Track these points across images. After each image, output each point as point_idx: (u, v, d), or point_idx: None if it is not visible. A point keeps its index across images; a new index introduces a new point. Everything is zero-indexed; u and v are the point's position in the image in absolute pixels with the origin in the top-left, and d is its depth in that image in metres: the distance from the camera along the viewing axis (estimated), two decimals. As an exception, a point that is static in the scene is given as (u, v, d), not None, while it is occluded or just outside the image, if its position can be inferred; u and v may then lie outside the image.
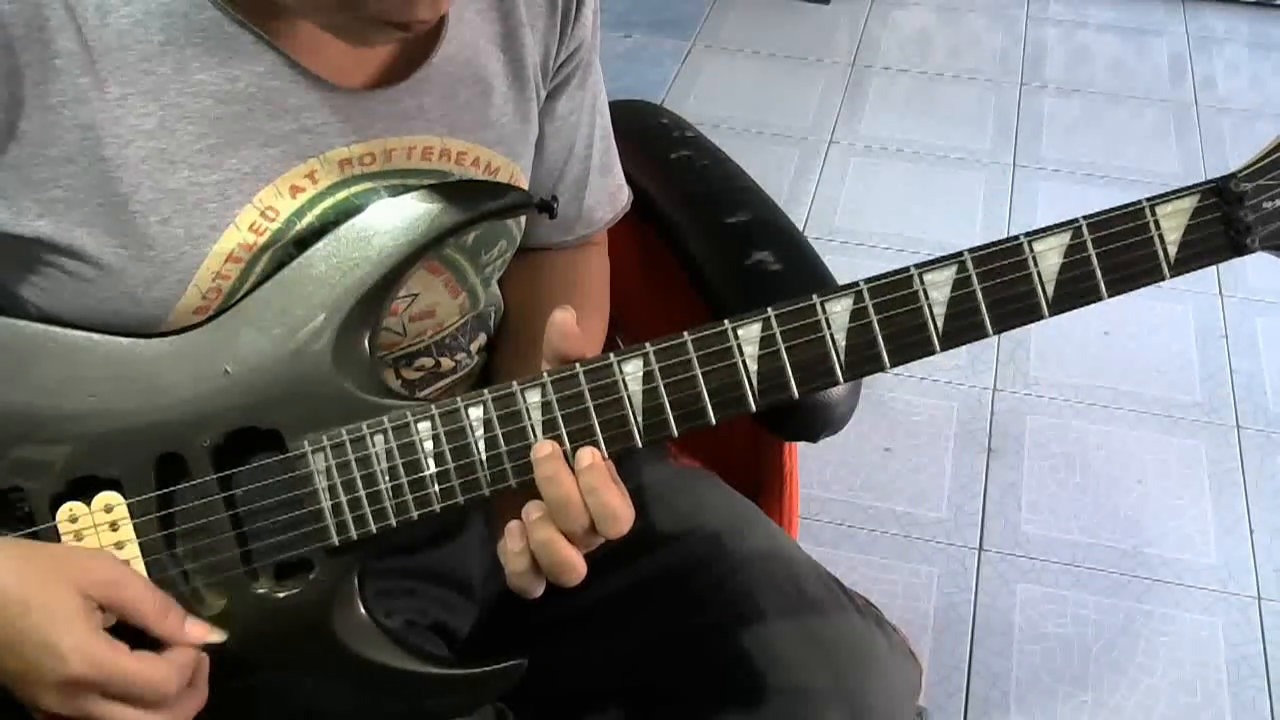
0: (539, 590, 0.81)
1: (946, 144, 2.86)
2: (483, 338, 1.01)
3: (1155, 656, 1.80)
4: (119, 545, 0.81)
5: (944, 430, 2.15)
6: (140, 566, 0.81)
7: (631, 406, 0.79)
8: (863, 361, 0.79)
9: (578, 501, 0.78)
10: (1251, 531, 1.99)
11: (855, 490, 2.03)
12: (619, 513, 0.78)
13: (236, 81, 0.81)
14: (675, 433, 0.80)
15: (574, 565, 0.79)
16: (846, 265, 2.37)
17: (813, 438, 1.07)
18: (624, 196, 1.12)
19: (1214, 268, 2.50)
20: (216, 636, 0.80)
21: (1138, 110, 3.00)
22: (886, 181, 2.74)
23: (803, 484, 1.95)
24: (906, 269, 0.78)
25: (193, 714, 0.79)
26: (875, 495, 2.03)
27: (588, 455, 0.78)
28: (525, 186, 0.97)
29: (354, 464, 0.81)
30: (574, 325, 0.79)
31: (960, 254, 0.78)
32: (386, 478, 0.81)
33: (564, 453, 0.79)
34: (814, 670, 0.98)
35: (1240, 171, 0.78)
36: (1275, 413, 2.20)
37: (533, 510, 0.79)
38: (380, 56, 0.87)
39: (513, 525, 0.80)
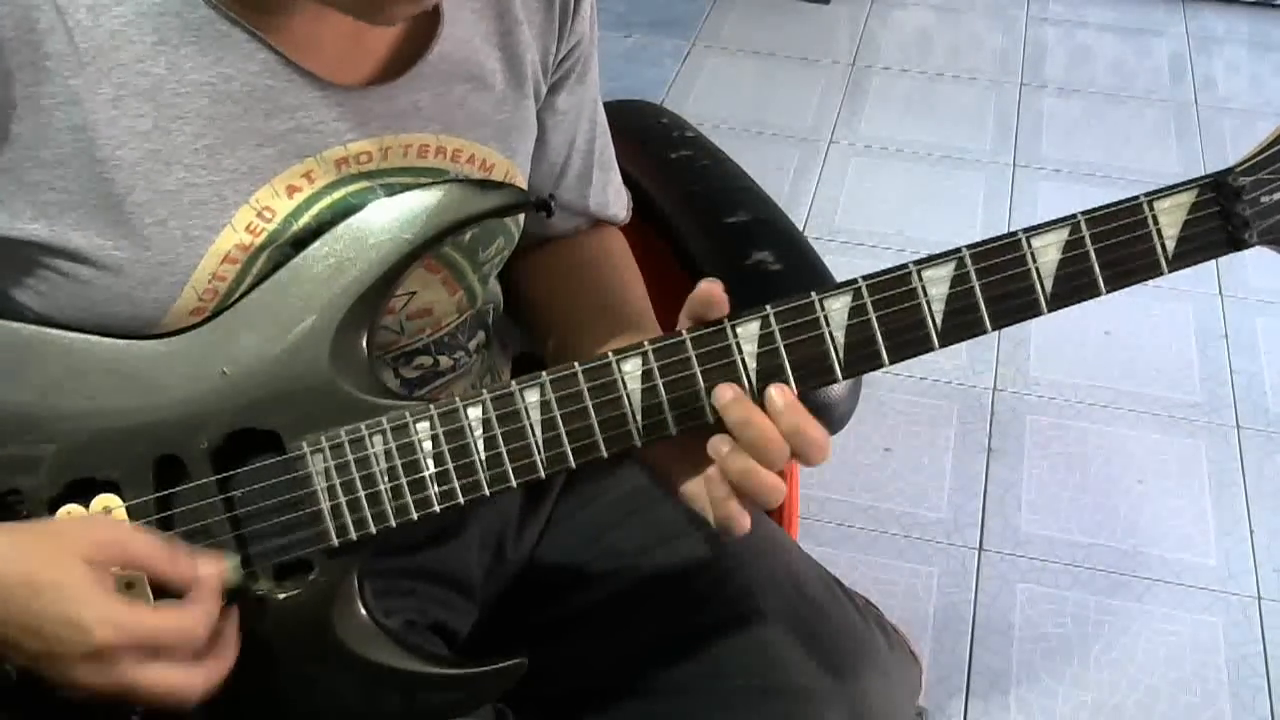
0: (747, 522, 0.80)
1: (946, 144, 2.86)
2: (481, 336, 1.01)
3: (1155, 656, 1.80)
4: (106, 516, 0.80)
5: (944, 430, 2.14)
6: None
7: (630, 405, 0.79)
8: (862, 359, 0.79)
9: (777, 438, 0.78)
10: (1251, 531, 1.99)
11: (855, 490, 2.03)
12: (822, 442, 0.79)
13: (231, 81, 0.81)
14: (674, 431, 0.80)
15: (777, 487, 0.79)
16: (846, 265, 2.37)
17: (813, 437, 1.07)
18: (626, 195, 1.12)
19: (1214, 268, 2.51)
20: (230, 563, 0.79)
21: (1138, 110, 3.00)
22: (886, 181, 2.74)
23: (803, 484, 1.95)
24: (905, 266, 0.78)
25: (226, 668, 0.78)
26: (875, 495, 2.03)
27: (779, 395, 0.78)
28: (523, 184, 0.97)
29: (353, 465, 0.81)
30: (721, 294, 0.79)
31: (958, 250, 0.78)
32: (386, 478, 0.81)
33: (749, 390, 0.79)
34: (814, 670, 0.98)
35: (1238, 166, 0.77)
36: (1275, 413, 2.20)
37: (722, 444, 0.79)
38: (375, 54, 0.87)
39: (711, 473, 0.80)
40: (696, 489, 0.82)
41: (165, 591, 0.77)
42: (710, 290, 0.78)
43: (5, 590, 0.72)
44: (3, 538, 0.75)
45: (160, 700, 0.75)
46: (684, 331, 0.79)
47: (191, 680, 0.76)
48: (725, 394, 0.78)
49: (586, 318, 1.00)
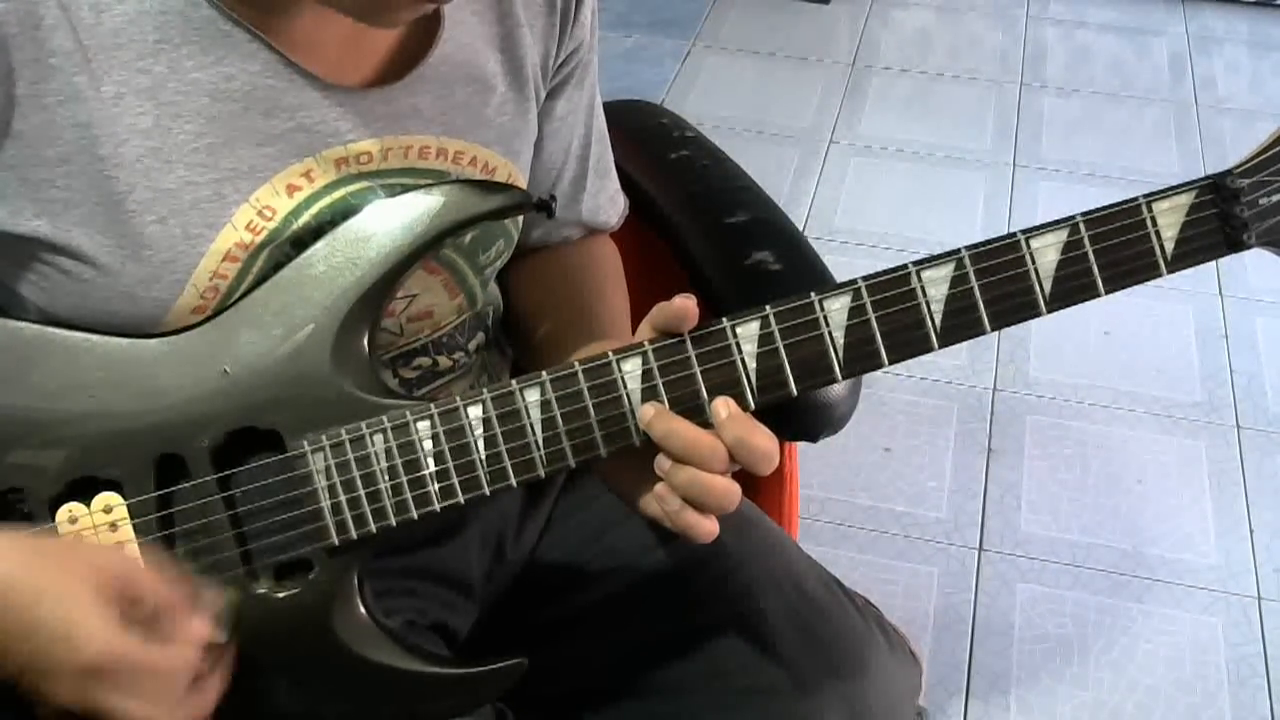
0: (714, 527, 0.80)
1: (946, 144, 2.86)
2: (481, 337, 1.01)
3: (1155, 656, 1.80)
4: (119, 546, 0.81)
5: (944, 430, 2.15)
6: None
7: (630, 405, 0.80)
8: (861, 359, 0.79)
9: (706, 445, 0.78)
10: (1251, 531, 1.99)
11: (855, 490, 2.03)
12: (769, 451, 0.79)
13: (232, 80, 0.81)
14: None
15: (727, 492, 0.79)
16: (846, 265, 2.37)
17: (813, 438, 1.07)
18: (622, 201, 1.12)
19: (1214, 268, 2.51)
20: (218, 638, 0.79)
21: (1138, 110, 3.00)
22: (886, 181, 2.74)
23: (803, 484, 1.95)
24: (904, 266, 0.78)
25: (208, 709, 0.78)
26: (875, 495, 2.03)
27: (724, 408, 0.79)
28: (524, 186, 0.97)
29: (353, 464, 0.81)
30: (695, 310, 0.79)
31: (958, 251, 0.78)
32: (386, 477, 0.81)
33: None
34: (814, 670, 0.98)
35: (1237, 167, 0.78)
36: (1275, 413, 2.20)
37: (662, 461, 0.79)
38: (377, 55, 0.87)
39: (660, 489, 0.80)
40: (651, 504, 0.82)
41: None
42: (687, 305, 0.78)
43: (11, 594, 0.72)
44: (22, 546, 0.75)
45: None
46: (684, 332, 0.79)
47: (167, 717, 0.76)
48: (647, 412, 0.79)
49: (563, 326, 1.01)
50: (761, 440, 0.79)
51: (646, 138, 1.34)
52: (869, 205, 2.66)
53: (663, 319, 0.80)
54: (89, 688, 0.73)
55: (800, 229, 1.47)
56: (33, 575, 0.73)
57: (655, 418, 0.79)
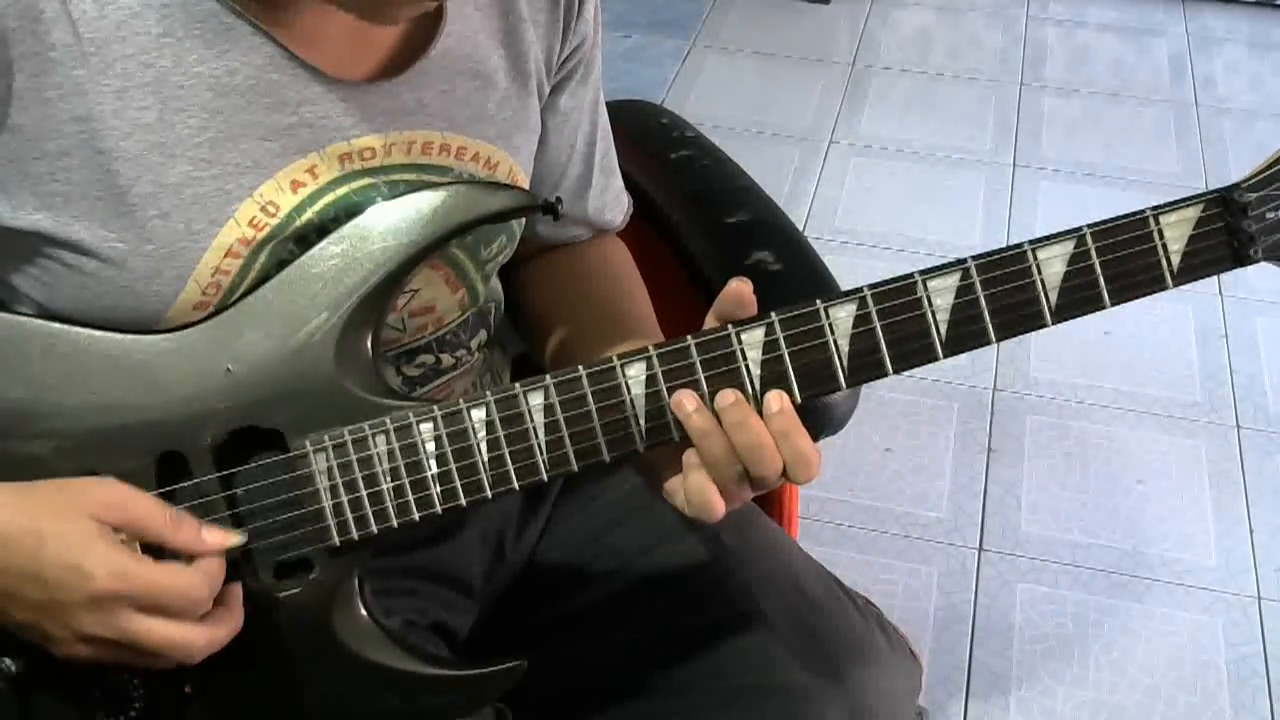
0: (721, 508, 0.81)
1: (946, 144, 2.86)
2: (483, 334, 1.01)
3: (1155, 656, 1.80)
4: (106, 479, 0.80)
5: (944, 430, 2.15)
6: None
7: (634, 410, 0.79)
8: (866, 367, 0.79)
9: (770, 445, 0.78)
10: (1251, 531, 1.99)
11: (855, 490, 2.03)
12: (810, 457, 0.79)
13: (235, 74, 0.81)
14: (676, 437, 0.80)
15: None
16: (846, 265, 2.37)
17: (813, 438, 1.07)
18: (626, 200, 1.12)
19: (1214, 267, 2.45)
20: (236, 539, 0.79)
21: (1138, 110, 3.01)
22: (886, 181, 2.74)
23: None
24: (910, 275, 0.78)
25: (227, 636, 0.79)
26: (875, 495, 2.03)
27: (776, 400, 0.78)
28: (525, 183, 0.97)
29: (355, 464, 0.81)
30: (751, 294, 0.79)
31: (964, 261, 0.78)
32: (388, 478, 0.81)
33: (752, 397, 0.79)
34: (814, 670, 0.98)
35: (1244, 182, 0.78)
36: (1275, 413, 2.21)
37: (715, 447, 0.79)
38: (380, 49, 0.87)
39: (671, 484, 0.81)
40: (678, 486, 0.82)
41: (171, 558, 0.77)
42: (741, 289, 0.79)
43: (12, 540, 0.73)
44: (11, 493, 0.76)
45: (159, 654, 0.76)
46: (689, 337, 0.79)
47: (191, 638, 0.76)
48: (726, 397, 0.79)
49: (591, 327, 1.01)
50: (805, 443, 0.79)
51: (646, 138, 1.34)
52: (869, 205, 2.66)
53: (725, 306, 0.80)
54: (110, 614, 0.74)
55: (800, 229, 1.46)
56: (30, 518, 0.74)
57: (735, 404, 0.78)
